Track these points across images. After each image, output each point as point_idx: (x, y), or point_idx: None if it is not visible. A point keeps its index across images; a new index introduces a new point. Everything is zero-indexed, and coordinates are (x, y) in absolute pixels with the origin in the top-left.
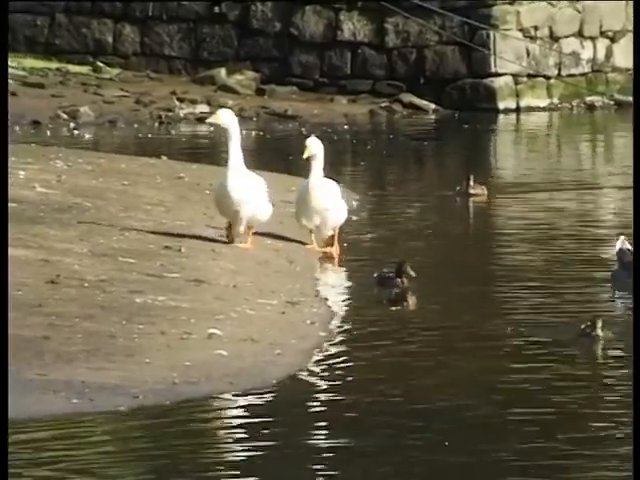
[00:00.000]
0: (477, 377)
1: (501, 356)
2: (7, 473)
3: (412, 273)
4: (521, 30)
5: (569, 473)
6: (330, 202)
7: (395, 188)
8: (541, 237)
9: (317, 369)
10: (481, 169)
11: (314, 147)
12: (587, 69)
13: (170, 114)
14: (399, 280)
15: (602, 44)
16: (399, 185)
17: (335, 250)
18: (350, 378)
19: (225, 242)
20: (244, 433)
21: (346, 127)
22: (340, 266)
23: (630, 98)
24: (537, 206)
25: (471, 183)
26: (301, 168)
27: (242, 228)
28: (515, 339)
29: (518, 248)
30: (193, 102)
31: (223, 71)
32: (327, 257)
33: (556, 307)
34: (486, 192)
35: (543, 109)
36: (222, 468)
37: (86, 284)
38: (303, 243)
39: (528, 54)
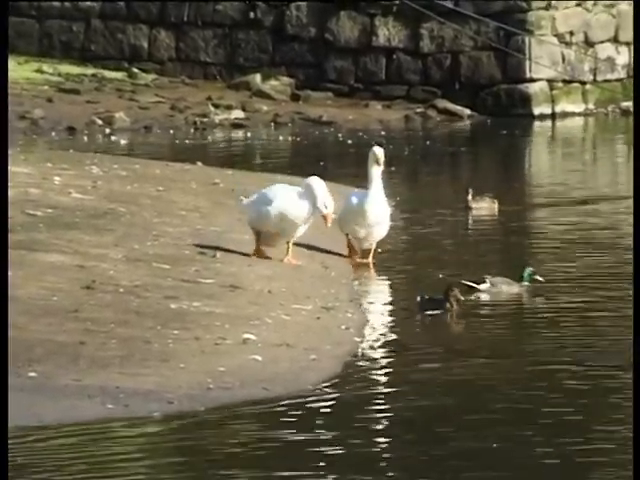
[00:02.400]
0: (522, 393)
1: (551, 381)
2: (7, 473)
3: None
4: (556, 35)
5: None
6: (383, 217)
7: (427, 195)
8: (575, 250)
9: (352, 375)
10: (512, 178)
11: (381, 156)
12: (623, 74)
13: (205, 120)
14: (447, 303)
15: None
16: (431, 193)
17: (370, 260)
18: (385, 383)
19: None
20: (279, 439)
21: (383, 133)
22: (374, 272)
23: None
24: (562, 219)
25: (469, 197)
26: (334, 174)
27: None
28: (566, 365)
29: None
30: (228, 108)
31: (258, 77)
32: (362, 266)
33: (604, 331)
34: (496, 206)
35: (578, 115)
36: (257, 472)
37: (121, 290)
38: (339, 254)
39: (563, 59)
